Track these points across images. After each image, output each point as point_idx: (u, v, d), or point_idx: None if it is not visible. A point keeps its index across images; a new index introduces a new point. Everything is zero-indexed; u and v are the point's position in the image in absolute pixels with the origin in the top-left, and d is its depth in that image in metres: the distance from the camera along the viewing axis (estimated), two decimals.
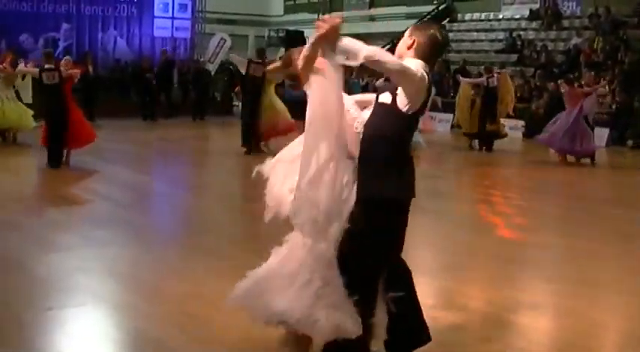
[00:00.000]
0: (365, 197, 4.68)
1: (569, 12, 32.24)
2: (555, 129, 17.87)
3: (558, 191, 14.75)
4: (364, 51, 4.33)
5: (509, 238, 10.04)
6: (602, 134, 22.31)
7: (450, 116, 25.99)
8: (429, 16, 36.01)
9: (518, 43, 31.17)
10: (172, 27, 33.76)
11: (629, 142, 22.46)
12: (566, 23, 31.57)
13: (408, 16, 37.47)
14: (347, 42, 4.34)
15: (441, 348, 5.53)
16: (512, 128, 24.34)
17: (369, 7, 40.39)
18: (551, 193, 14.32)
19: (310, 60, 4.54)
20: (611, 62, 26.58)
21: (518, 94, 26.50)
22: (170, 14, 33.76)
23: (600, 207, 12.74)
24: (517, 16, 33.62)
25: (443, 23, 35.44)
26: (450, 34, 34.79)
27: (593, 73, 20.45)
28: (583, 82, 18.96)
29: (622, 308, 7.10)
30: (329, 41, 4.34)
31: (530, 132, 24.12)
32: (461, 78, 22.48)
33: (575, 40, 29.05)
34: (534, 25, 32.35)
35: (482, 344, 6.02)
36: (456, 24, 35.92)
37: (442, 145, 21.53)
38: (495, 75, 20.57)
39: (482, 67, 22.60)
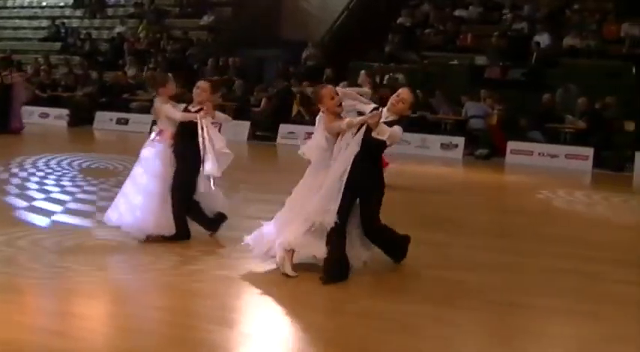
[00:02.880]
0: None
1: (114, 0, 32.12)
2: None
3: None
4: (398, 134, 7.38)
5: None
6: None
7: None
8: None
9: (62, 31, 30.37)
10: None
11: None
12: (110, 11, 31.43)
13: None
14: (383, 127, 7.25)
15: None
16: (58, 117, 23.82)
17: None
18: None
19: (352, 127, 7.42)
20: (154, 50, 26.95)
21: (63, 83, 26.04)
22: None
23: None
24: (61, 4, 32.77)
25: None
26: None
27: None
28: None
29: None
30: (374, 125, 7.19)
31: (75, 121, 23.78)
32: None
33: (119, 29, 29.06)
34: (78, 12, 31.83)
35: None
36: None
37: None
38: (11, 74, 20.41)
39: None
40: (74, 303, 6.61)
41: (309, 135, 24.26)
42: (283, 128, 21.55)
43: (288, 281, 7.35)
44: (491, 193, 15.10)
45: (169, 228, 8.62)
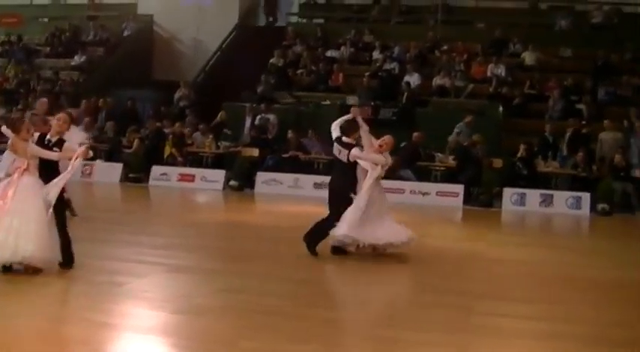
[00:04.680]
0: None
1: None
2: None
3: None
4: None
5: None
6: None
7: None
8: None
9: None
10: None
11: None
12: None
13: None
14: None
15: None
16: None
17: None
18: None
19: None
20: (23, 90, 26.31)
21: None
22: None
23: None
24: None
25: None
26: None
27: None
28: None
29: None
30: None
31: None
32: None
33: None
34: None
35: None
36: None
37: None
38: None
39: None
40: None
41: (182, 176, 23.82)
42: (155, 170, 21.30)
43: (165, 325, 7.24)
44: None
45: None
